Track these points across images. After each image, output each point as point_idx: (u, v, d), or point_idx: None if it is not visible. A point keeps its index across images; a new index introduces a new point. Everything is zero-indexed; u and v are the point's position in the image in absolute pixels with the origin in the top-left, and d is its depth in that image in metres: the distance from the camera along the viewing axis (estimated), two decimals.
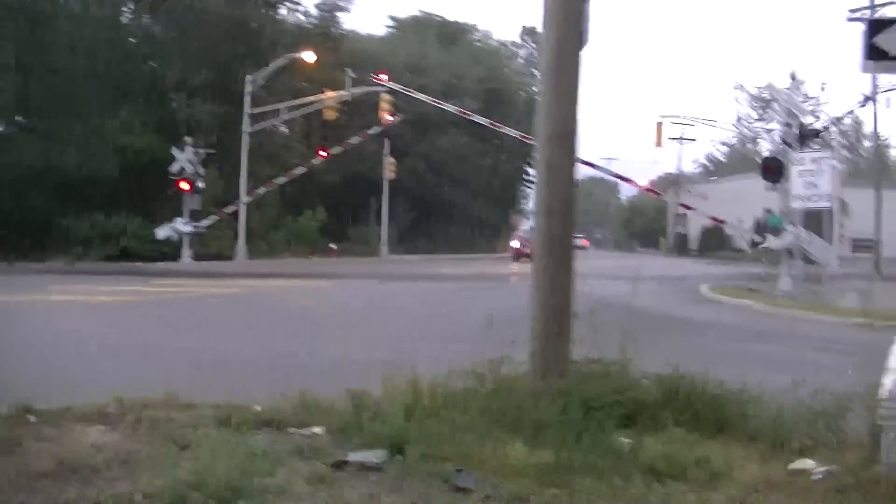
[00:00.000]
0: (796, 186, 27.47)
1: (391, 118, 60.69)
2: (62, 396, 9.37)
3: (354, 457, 7.73)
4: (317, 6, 69.48)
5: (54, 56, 50.96)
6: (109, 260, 47.62)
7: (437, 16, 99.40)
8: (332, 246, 65.23)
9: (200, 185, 51.94)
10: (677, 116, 79.09)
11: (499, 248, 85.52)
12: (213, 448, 7.60)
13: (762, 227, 36.63)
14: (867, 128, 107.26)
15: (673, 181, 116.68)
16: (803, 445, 8.31)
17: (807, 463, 7.89)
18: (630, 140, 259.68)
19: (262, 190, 56.13)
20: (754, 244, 49.46)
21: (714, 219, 58.06)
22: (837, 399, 8.61)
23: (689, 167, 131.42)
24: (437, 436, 7.89)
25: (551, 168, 9.55)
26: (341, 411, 8.79)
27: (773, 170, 29.34)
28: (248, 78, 55.46)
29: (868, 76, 44.86)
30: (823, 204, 29.00)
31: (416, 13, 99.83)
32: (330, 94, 55.53)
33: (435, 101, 57.94)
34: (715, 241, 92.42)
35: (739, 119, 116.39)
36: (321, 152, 59.47)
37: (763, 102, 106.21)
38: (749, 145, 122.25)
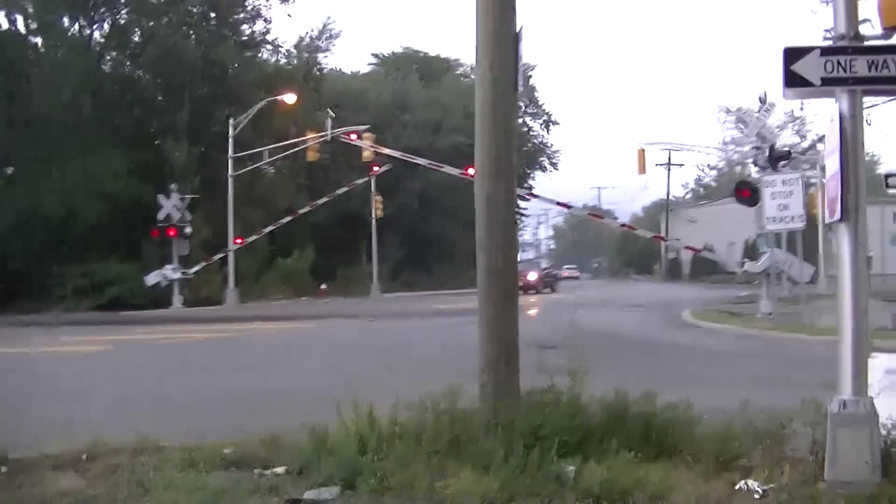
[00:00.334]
0: (769, 208, 27.78)
1: (377, 168, 61.36)
2: (49, 443, 9.80)
3: (308, 494, 8.03)
4: (296, 47, 69.74)
5: (36, 105, 51.38)
6: (99, 309, 47.64)
7: (421, 51, 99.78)
8: (323, 287, 65.28)
9: (188, 231, 52.04)
10: (663, 143, 79.21)
11: None
12: (171, 491, 7.92)
13: (751, 250, 36.94)
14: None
15: (662, 207, 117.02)
16: (749, 465, 8.52)
17: (749, 482, 8.11)
18: (623, 167, 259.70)
19: (251, 238, 56.26)
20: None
21: (689, 248, 58.32)
22: (784, 417, 8.84)
23: (680, 192, 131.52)
24: (388, 468, 8.17)
25: (489, 204, 9.76)
26: (302, 449, 9.05)
27: (746, 193, 29.74)
28: (231, 121, 55.72)
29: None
30: (796, 225, 29.24)
31: (398, 49, 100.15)
32: (312, 135, 55.83)
33: (404, 156, 58.15)
34: (707, 266, 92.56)
35: (725, 143, 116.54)
36: (308, 204, 59.46)
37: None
38: (738, 168, 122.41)
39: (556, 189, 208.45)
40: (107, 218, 51.39)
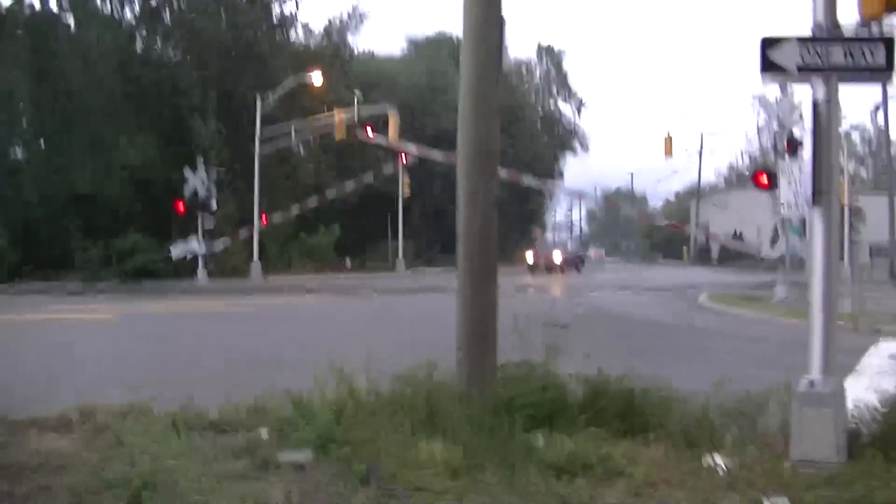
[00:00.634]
0: (784, 194, 27.73)
1: (405, 159, 61.56)
2: (39, 407, 10.07)
3: (283, 456, 8.19)
4: (326, 29, 69.96)
5: (68, 84, 51.92)
6: (125, 280, 48.16)
7: (454, 35, 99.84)
8: (347, 262, 65.67)
9: (213, 205, 52.39)
10: (695, 128, 79.32)
11: (520, 260, 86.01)
12: (150, 452, 8.10)
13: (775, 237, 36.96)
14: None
15: (694, 192, 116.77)
16: (720, 442, 8.62)
17: (716, 458, 8.22)
18: (658, 151, 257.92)
19: (276, 220, 56.60)
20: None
21: (709, 235, 58.36)
22: (760, 397, 9.00)
23: (714, 178, 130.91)
24: (361, 436, 8.33)
25: (470, 188, 9.96)
26: (284, 415, 9.23)
27: (763, 180, 29.66)
28: (259, 100, 55.99)
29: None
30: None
31: (432, 33, 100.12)
32: (339, 113, 55.96)
33: (421, 154, 58.20)
34: (735, 251, 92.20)
35: (758, 129, 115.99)
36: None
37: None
38: (771, 155, 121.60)
39: (589, 172, 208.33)
40: (134, 193, 51.96)
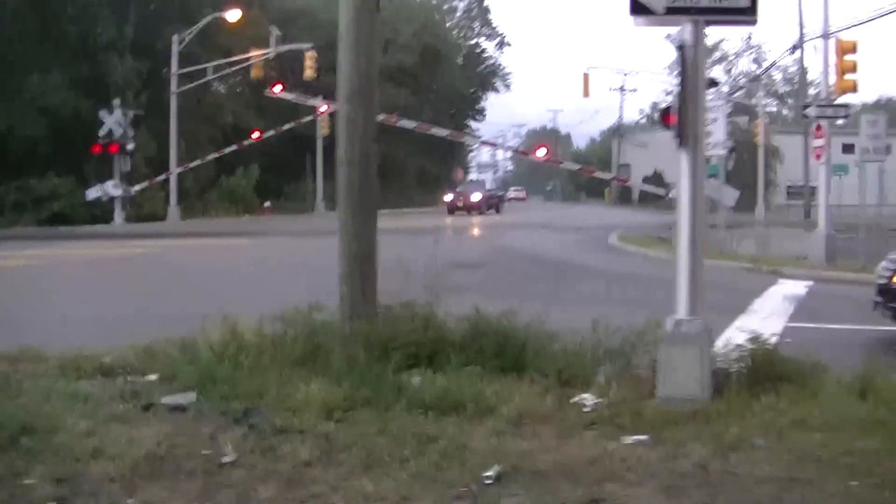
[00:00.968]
0: None
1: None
2: None
3: (166, 399, 8.37)
4: None
5: None
6: (39, 224, 47.69)
7: None
8: (266, 204, 65.45)
9: (130, 147, 51.68)
10: (617, 66, 79.82)
11: (442, 201, 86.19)
12: (40, 395, 8.22)
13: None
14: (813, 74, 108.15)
15: (615, 131, 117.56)
16: (593, 381, 8.84)
17: (584, 396, 8.47)
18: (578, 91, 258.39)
19: (195, 162, 55.98)
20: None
21: (617, 179, 59.31)
22: (636, 336, 9.21)
23: (636, 117, 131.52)
24: (242, 377, 8.52)
25: (350, 122, 10.00)
26: (172, 358, 9.38)
27: (670, 119, 29.79)
28: (175, 37, 55.24)
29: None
30: (719, 151, 29.63)
31: None
32: (257, 52, 55.37)
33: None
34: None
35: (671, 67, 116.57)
36: (254, 135, 58.23)
37: (706, 51, 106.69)
38: None
39: (511, 111, 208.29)
40: (47, 133, 51.10)
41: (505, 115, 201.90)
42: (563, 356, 9.24)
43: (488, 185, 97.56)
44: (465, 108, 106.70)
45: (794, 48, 59.25)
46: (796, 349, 9.49)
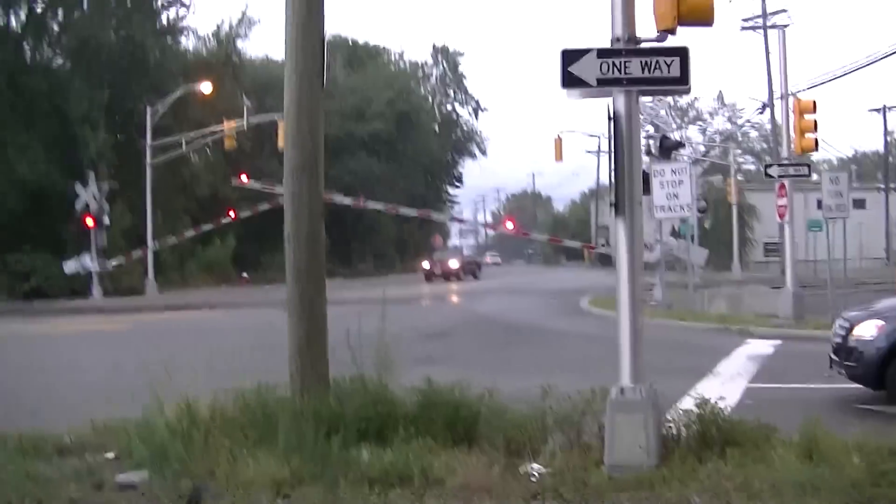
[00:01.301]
0: (658, 197, 28.16)
1: None
2: None
3: (119, 478, 8.46)
4: (215, 35, 69.55)
5: None
6: (15, 299, 47.53)
7: (348, 38, 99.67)
8: (244, 275, 65.41)
9: (106, 220, 51.62)
10: (582, 131, 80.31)
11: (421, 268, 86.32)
12: None
13: (675, 236, 37.46)
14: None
15: (593, 194, 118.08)
16: (541, 449, 8.90)
17: (533, 466, 8.56)
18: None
19: (170, 234, 56.23)
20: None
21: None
22: (585, 403, 9.21)
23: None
24: (195, 454, 8.60)
25: (295, 197, 10.20)
26: (128, 436, 9.45)
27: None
28: (149, 109, 55.43)
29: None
30: (686, 213, 29.83)
31: (327, 37, 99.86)
32: (229, 123, 55.53)
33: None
34: None
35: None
36: (242, 176, 58.24)
37: (680, 112, 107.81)
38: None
39: (490, 175, 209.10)
40: (24, 207, 50.90)
41: (484, 178, 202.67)
42: (514, 426, 9.29)
43: (467, 251, 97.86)
44: (441, 174, 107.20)
45: (765, 107, 60.06)
46: (754, 410, 9.60)
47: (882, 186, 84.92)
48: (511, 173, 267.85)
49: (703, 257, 34.06)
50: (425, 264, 72.53)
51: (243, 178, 55.08)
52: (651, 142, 31.84)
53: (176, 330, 29.87)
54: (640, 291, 8.93)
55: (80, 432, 10.13)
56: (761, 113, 56.75)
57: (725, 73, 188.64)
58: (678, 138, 45.75)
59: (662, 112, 32.57)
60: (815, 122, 26.31)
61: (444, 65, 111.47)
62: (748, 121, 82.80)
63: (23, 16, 58.62)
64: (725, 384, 14.84)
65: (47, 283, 50.54)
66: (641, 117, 32.69)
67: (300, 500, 7.66)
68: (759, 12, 56.69)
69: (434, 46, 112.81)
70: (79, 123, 54.17)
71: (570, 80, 8.77)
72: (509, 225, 46.23)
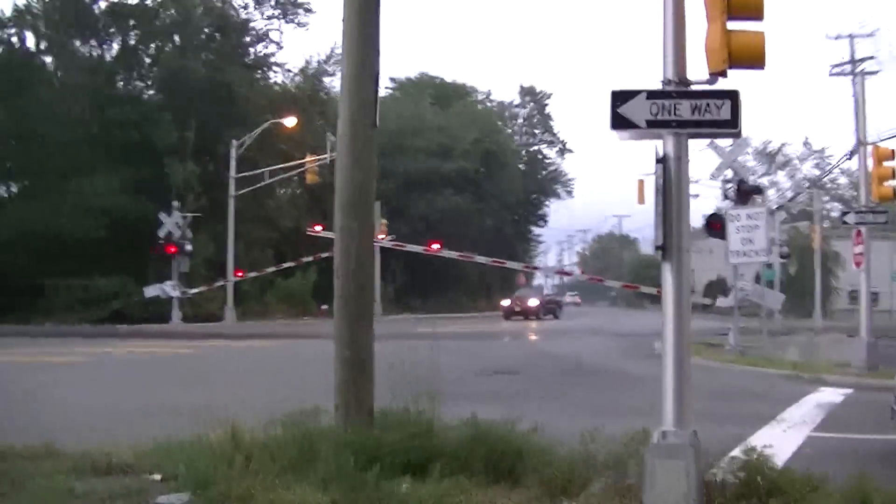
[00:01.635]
0: (733, 242, 27.95)
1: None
2: None
3: (160, 499, 8.56)
4: (303, 70, 70.37)
5: (43, 123, 52.31)
6: (98, 322, 48.40)
7: (436, 77, 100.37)
8: (324, 307, 65.75)
9: (188, 248, 52.62)
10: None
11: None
12: (39, 494, 8.46)
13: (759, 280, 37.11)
14: None
15: None
16: (583, 491, 8.82)
17: None
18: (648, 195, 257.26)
19: (251, 274, 57.22)
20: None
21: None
22: (632, 446, 9.09)
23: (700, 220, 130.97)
24: (235, 480, 8.67)
25: (344, 232, 10.35)
26: (177, 458, 9.58)
27: (717, 226, 29.76)
28: (234, 142, 56.31)
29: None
30: (760, 259, 29.48)
31: (414, 74, 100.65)
32: (312, 157, 56.29)
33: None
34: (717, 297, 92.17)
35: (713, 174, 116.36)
36: (316, 227, 59.01)
37: (768, 157, 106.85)
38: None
39: (575, 216, 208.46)
40: (109, 234, 52.03)
41: (566, 219, 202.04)
42: (558, 465, 9.20)
43: (548, 291, 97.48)
44: (526, 213, 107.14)
45: (852, 154, 59.17)
46: (811, 460, 9.44)
47: None
48: (597, 214, 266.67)
49: (778, 302, 33.60)
50: (505, 302, 72.44)
51: (317, 228, 55.96)
52: (729, 186, 31.63)
53: (244, 357, 30.22)
54: (688, 336, 8.71)
55: (135, 452, 10.23)
56: (849, 159, 55.68)
57: (815, 118, 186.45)
58: (764, 184, 45.16)
59: (741, 158, 32.32)
60: (894, 169, 25.94)
61: (531, 105, 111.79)
62: (836, 167, 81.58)
63: (115, 48, 60.06)
64: (788, 431, 14.64)
65: (129, 307, 51.41)
66: (720, 161, 32.94)
67: None
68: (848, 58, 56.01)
69: (521, 87, 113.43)
70: (166, 153, 55.37)
71: (618, 122, 8.71)
72: (577, 271, 46.06)
